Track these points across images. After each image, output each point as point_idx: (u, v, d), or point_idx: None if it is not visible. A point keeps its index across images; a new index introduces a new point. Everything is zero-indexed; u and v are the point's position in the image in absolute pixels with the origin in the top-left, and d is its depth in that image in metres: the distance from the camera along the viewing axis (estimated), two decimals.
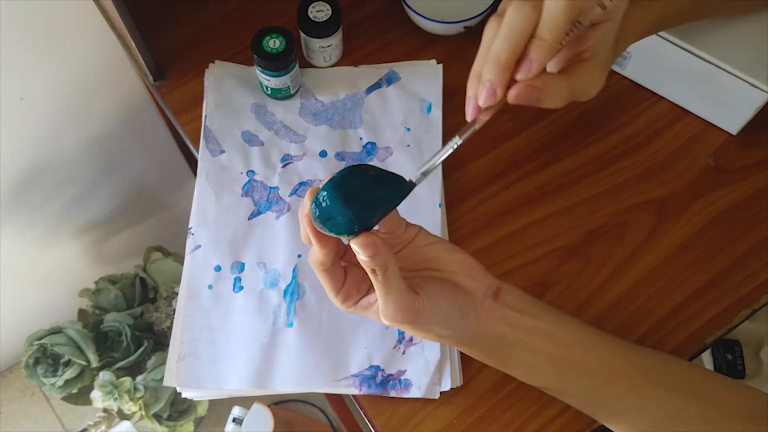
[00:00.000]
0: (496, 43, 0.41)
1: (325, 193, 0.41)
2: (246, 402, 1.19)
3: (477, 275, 0.48)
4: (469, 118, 0.44)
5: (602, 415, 0.51)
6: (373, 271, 0.42)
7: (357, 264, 0.48)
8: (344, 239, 0.42)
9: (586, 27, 0.44)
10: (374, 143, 0.69)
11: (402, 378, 0.59)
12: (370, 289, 0.48)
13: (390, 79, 0.72)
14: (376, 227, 0.44)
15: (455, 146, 0.43)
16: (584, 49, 0.45)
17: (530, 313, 0.48)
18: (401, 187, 0.42)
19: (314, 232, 0.43)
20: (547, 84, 0.42)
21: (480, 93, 0.42)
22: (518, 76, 0.41)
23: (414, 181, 0.43)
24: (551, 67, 0.47)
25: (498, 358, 0.49)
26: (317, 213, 0.41)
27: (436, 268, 0.47)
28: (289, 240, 0.65)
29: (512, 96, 0.42)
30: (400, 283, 0.43)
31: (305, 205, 0.42)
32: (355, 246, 0.41)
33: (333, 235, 0.42)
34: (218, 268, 0.64)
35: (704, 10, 0.61)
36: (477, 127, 0.43)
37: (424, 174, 0.43)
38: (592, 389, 0.49)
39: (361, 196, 0.41)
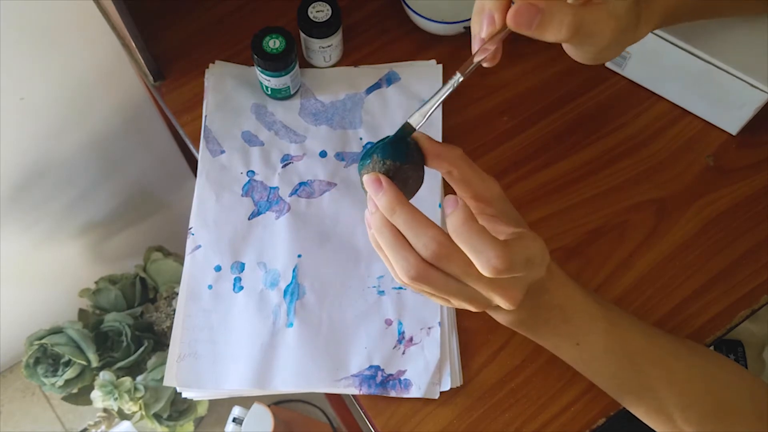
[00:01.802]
0: None
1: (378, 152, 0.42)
2: (246, 402, 1.19)
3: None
4: (474, 52, 0.42)
5: (633, 400, 0.51)
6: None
7: None
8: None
9: None
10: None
11: (402, 378, 0.59)
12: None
13: (390, 80, 0.73)
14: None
15: (456, 84, 0.42)
16: None
17: (580, 290, 0.49)
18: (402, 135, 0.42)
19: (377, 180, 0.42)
20: (549, 6, 0.40)
21: (481, 24, 0.41)
22: None
23: (410, 122, 0.42)
24: None
25: (548, 327, 0.48)
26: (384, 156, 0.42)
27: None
28: (289, 240, 0.65)
29: (511, 17, 0.40)
30: None
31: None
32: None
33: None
34: (218, 268, 0.64)
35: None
36: (476, 60, 0.42)
37: (422, 116, 0.42)
38: (628, 370, 0.50)
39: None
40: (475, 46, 0.42)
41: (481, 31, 0.41)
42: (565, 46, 0.45)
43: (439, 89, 0.42)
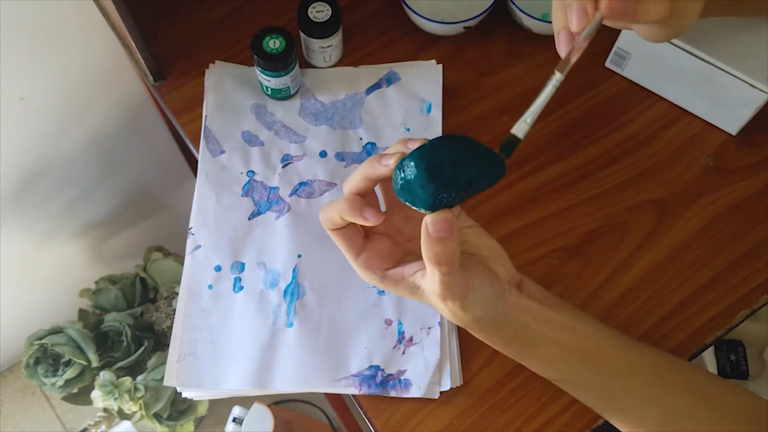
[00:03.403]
0: None
1: (411, 162, 0.38)
2: (246, 402, 1.19)
3: (506, 264, 0.47)
4: (562, 53, 0.41)
5: (614, 410, 0.51)
6: (438, 260, 0.39)
7: (388, 234, 0.46)
8: (420, 212, 0.39)
9: None
10: (374, 143, 0.69)
11: (402, 378, 0.59)
12: (402, 261, 0.45)
13: (390, 80, 0.73)
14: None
15: (557, 84, 0.40)
16: None
17: (550, 304, 0.48)
18: (495, 167, 0.38)
19: (355, 200, 0.41)
20: None
21: (570, 18, 0.39)
22: None
23: (518, 135, 0.39)
24: None
25: (517, 346, 0.48)
26: (398, 179, 0.38)
27: (471, 252, 0.46)
28: (289, 240, 0.65)
29: (606, 7, 0.38)
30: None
31: (386, 165, 0.40)
32: (429, 221, 0.38)
33: (408, 205, 0.39)
34: (218, 268, 0.64)
35: None
36: (574, 59, 0.40)
37: (528, 124, 0.40)
38: (607, 382, 0.49)
39: (447, 171, 0.37)
40: (561, 43, 0.41)
41: (571, 23, 0.39)
42: (642, 27, 0.43)
43: (540, 94, 0.40)
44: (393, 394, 0.59)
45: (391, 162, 0.40)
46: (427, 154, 0.38)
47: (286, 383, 0.60)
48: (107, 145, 1.02)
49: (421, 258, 0.44)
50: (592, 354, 0.48)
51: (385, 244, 0.46)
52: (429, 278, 0.42)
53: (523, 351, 0.49)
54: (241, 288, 0.64)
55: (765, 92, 0.63)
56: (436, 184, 0.37)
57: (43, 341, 1.11)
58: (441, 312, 0.45)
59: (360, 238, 0.45)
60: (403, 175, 0.38)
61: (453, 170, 0.37)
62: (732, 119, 0.69)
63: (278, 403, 1.33)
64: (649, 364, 0.50)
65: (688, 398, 0.49)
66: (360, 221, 0.41)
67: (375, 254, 0.45)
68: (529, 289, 0.48)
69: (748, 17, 0.65)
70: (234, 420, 1.18)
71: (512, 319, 0.46)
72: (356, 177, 0.42)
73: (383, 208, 0.47)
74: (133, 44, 0.68)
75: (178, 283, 0.72)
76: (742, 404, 0.50)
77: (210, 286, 0.64)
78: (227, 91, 0.72)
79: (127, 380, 1.10)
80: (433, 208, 0.38)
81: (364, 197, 0.43)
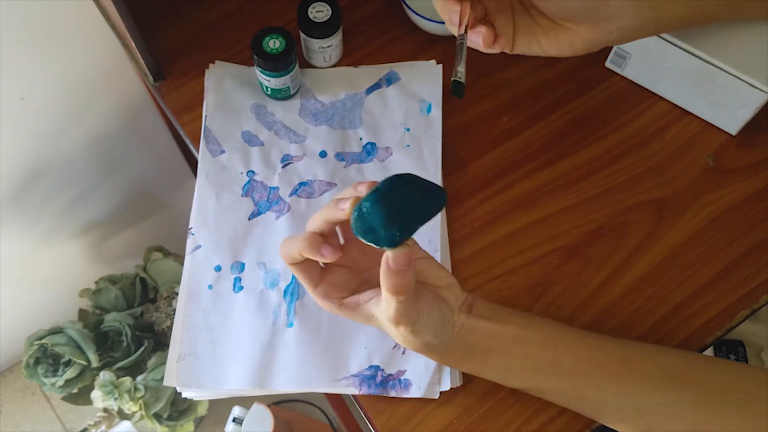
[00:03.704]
0: None
1: (368, 204, 0.41)
2: (246, 402, 1.19)
3: (456, 292, 0.50)
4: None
5: (587, 409, 0.52)
6: (397, 290, 0.43)
7: (345, 266, 0.50)
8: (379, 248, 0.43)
9: None
10: (374, 143, 0.69)
11: (402, 378, 0.59)
12: (358, 290, 0.50)
13: (390, 80, 0.73)
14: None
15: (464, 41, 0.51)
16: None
17: (499, 319, 0.50)
18: (439, 199, 0.42)
19: (314, 239, 0.45)
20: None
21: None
22: None
23: (461, 80, 0.48)
24: None
25: (471, 364, 0.52)
26: (359, 224, 0.42)
27: (423, 281, 0.49)
28: None
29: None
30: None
31: (343, 209, 0.43)
32: (391, 256, 0.42)
33: (369, 244, 0.42)
34: (218, 268, 0.64)
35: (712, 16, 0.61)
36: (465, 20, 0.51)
37: (462, 71, 0.49)
38: (568, 383, 0.51)
39: (405, 210, 0.41)
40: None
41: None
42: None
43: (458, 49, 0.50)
44: (393, 394, 0.59)
45: (347, 206, 0.43)
46: (383, 197, 0.41)
47: (286, 383, 0.60)
48: (107, 145, 1.02)
49: (375, 286, 0.49)
50: (547, 359, 0.50)
51: (342, 275, 0.50)
52: (384, 305, 0.46)
53: (478, 367, 0.52)
54: (241, 288, 0.64)
55: (765, 92, 0.63)
56: (397, 225, 0.41)
57: (43, 341, 1.11)
58: (394, 337, 0.49)
59: (318, 270, 0.49)
60: (363, 218, 0.41)
61: (408, 209, 0.41)
62: (732, 119, 0.69)
63: (278, 403, 1.33)
64: (614, 358, 0.51)
65: (665, 385, 0.49)
66: (318, 258, 0.46)
67: (332, 285, 0.50)
68: (479, 310, 0.50)
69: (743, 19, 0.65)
70: (234, 420, 1.18)
71: (460, 341, 0.49)
72: (317, 219, 0.46)
73: (341, 241, 0.50)
74: (133, 44, 0.68)
75: (178, 283, 0.72)
76: (726, 382, 0.50)
77: (210, 286, 0.64)
78: (227, 91, 0.72)
79: (127, 380, 1.10)
80: (394, 245, 0.42)
81: (324, 235, 0.47)
